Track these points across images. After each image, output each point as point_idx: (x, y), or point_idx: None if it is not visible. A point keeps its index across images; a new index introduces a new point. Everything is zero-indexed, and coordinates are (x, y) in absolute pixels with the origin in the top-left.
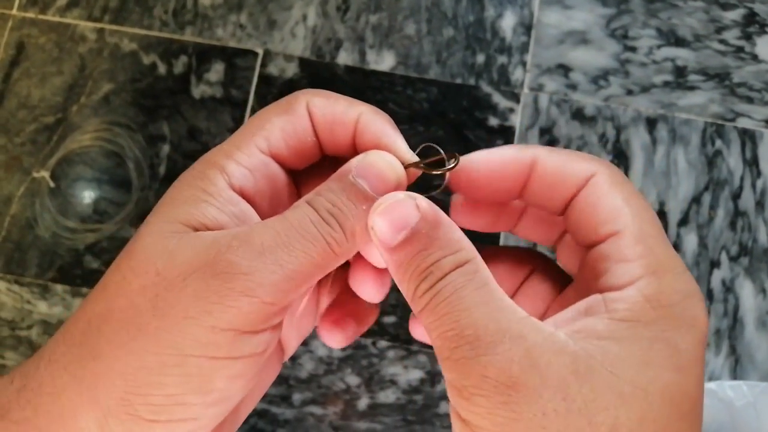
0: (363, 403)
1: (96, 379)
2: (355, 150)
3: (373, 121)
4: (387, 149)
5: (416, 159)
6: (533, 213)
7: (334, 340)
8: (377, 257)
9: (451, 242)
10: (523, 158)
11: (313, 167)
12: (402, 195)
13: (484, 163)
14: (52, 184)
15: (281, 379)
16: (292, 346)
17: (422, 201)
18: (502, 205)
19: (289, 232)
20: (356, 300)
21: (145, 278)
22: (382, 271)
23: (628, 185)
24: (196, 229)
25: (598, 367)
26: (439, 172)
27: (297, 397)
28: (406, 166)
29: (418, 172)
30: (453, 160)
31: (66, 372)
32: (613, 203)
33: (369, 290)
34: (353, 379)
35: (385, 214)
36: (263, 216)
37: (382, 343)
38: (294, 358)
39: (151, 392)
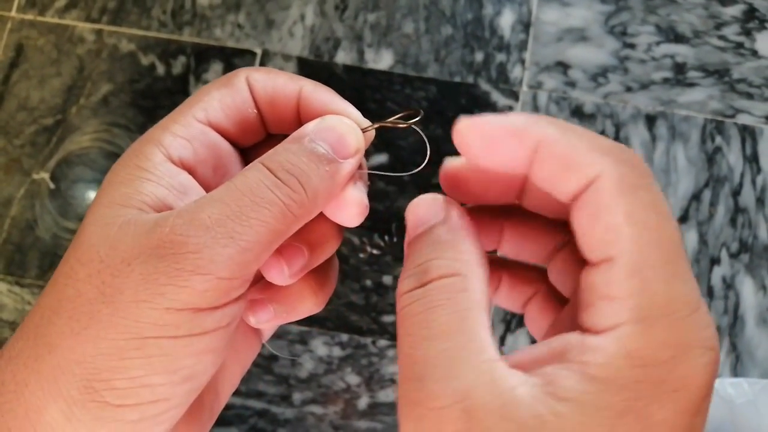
0: (363, 402)
1: (55, 371)
2: (300, 125)
3: (317, 92)
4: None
5: (368, 123)
6: (517, 226)
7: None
8: (345, 216)
9: (454, 249)
10: (531, 135)
11: (262, 148)
12: (439, 197)
13: (488, 128)
14: (52, 186)
15: (281, 379)
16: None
17: (455, 207)
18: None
19: (239, 201)
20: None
21: (90, 267)
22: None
23: (643, 192)
24: (140, 209)
25: None
26: (405, 126)
27: (297, 397)
28: (364, 129)
29: (372, 137)
30: (416, 116)
31: (26, 368)
32: (612, 220)
33: (273, 271)
34: (353, 379)
35: (415, 208)
36: (209, 187)
37: (382, 342)
38: (294, 357)
39: (113, 377)
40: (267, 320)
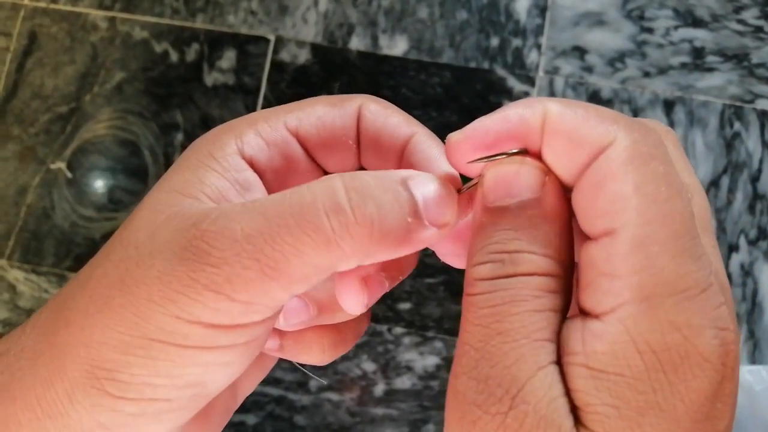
0: (379, 389)
1: (65, 347)
2: (398, 167)
3: (429, 144)
4: None
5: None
6: None
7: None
8: (350, 301)
9: (549, 244)
10: (533, 119)
11: None
12: (536, 164)
13: (484, 134)
14: (69, 175)
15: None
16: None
17: (552, 183)
18: None
19: (281, 218)
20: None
21: (125, 251)
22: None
23: (657, 162)
24: (197, 199)
25: None
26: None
27: (314, 384)
28: (459, 191)
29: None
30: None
31: (44, 338)
32: (619, 189)
33: (351, 301)
34: (369, 366)
35: (504, 172)
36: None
37: (398, 330)
38: (320, 378)
39: (116, 369)
40: (271, 351)
